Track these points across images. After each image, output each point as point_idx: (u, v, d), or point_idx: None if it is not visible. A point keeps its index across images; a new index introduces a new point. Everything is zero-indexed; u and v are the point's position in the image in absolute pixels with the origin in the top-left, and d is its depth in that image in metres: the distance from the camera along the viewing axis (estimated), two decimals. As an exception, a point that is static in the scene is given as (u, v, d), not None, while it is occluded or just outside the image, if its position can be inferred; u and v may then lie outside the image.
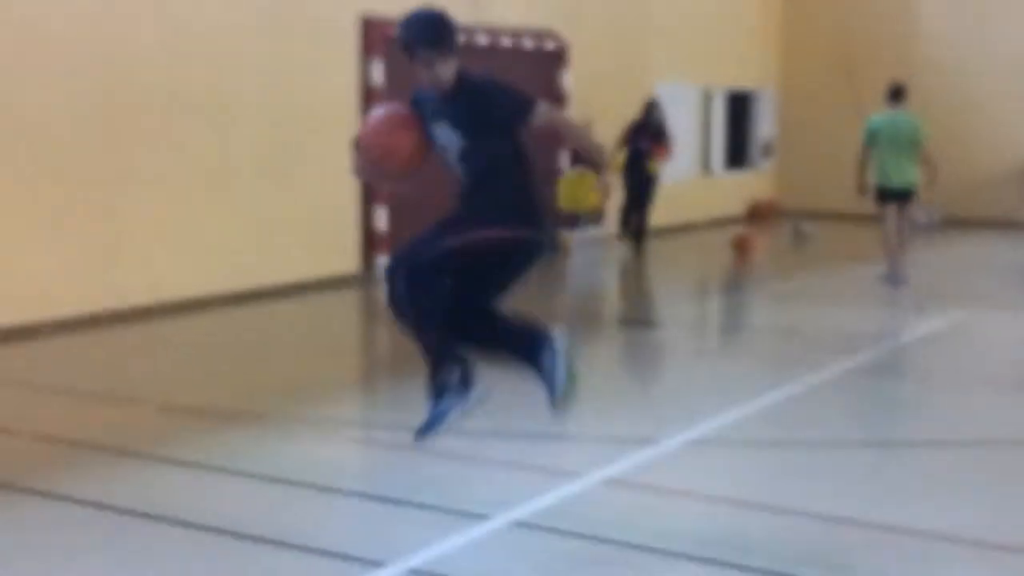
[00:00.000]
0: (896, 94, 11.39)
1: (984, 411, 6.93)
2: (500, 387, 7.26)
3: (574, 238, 14.36)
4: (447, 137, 4.84)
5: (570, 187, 4.96)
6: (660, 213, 15.17)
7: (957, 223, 17.35)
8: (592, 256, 14.30)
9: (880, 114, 11.55)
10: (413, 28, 4.81)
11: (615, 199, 14.54)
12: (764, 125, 19.11)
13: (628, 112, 14.62)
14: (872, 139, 11.34)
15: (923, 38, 17.86)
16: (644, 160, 14.12)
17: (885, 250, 11.54)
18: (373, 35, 11.67)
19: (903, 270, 11.48)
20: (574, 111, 14.34)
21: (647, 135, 14.12)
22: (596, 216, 4.47)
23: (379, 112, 4.98)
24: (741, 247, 13.87)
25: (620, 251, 14.33)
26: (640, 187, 14.23)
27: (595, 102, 14.94)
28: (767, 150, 19.25)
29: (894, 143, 11.24)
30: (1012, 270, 13.60)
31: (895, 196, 11.35)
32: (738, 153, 18.77)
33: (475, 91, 4.81)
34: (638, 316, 10.91)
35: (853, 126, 13.00)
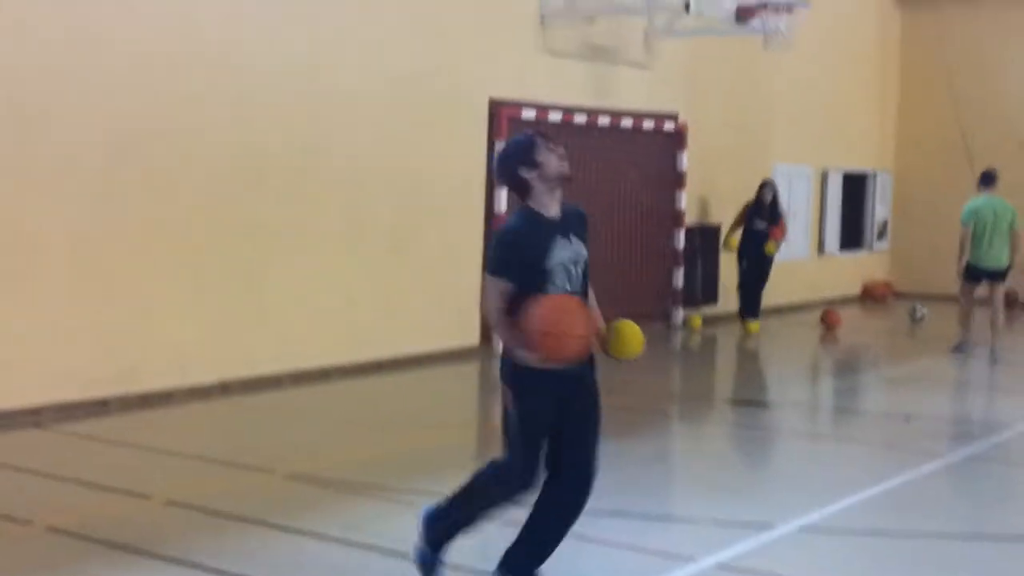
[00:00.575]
0: (988, 179, 12.35)
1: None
2: (616, 468, 7.44)
3: (698, 317, 14.52)
4: (576, 250, 4.92)
5: (625, 334, 4.92)
6: (775, 292, 15.24)
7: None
8: (707, 335, 14.39)
9: (976, 198, 12.39)
10: (537, 136, 4.97)
11: (732, 278, 14.68)
12: (879, 206, 19.05)
13: (745, 192, 14.78)
14: (969, 222, 12.19)
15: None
16: (759, 240, 14.25)
17: (962, 322, 12.46)
18: (499, 117, 12.05)
19: (998, 349, 12.16)
20: (690, 189, 14.55)
21: (762, 215, 14.26)
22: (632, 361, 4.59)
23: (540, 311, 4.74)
24: (828, 321, 14.72)
25: (735, 330, 14.40)
26: (756, 267, 14.36)
27: (712, 182, 15.15)
28: (882, 231, 19.17)
29: (989, 226, 12.11)
30: None
31: (988, 276, 12.19)
32: (853, 234, 18.72)
33: (576, 210, 5.05)
34: (752, 397, 10.97)
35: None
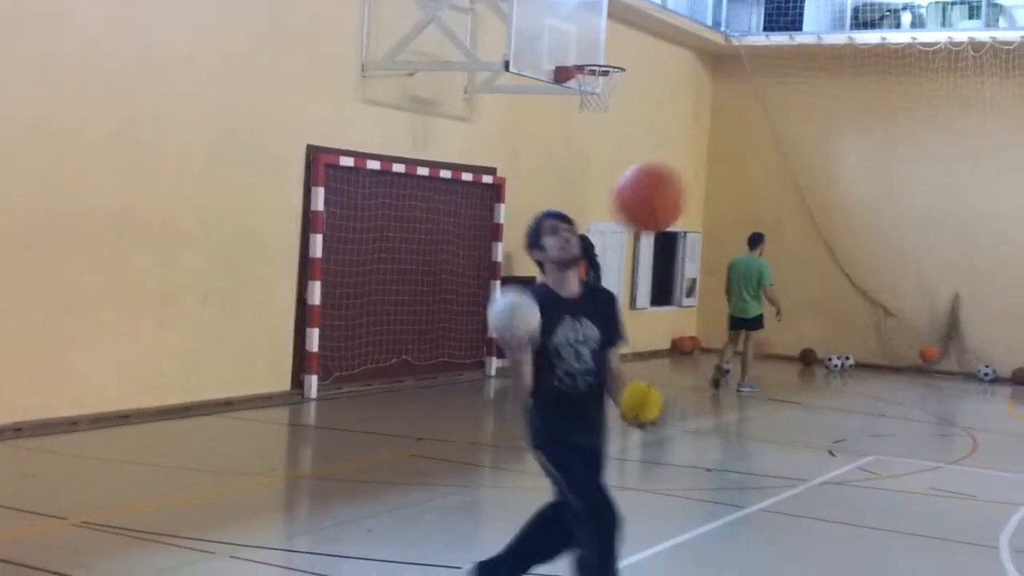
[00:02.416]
0: (752, 241, 14.58)
1: (862, 557, 7.22)
2: (424, 519, 7.39)
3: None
4: (586, 332, 5.03)
5: (639, 398, 4.90)
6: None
7: (872, 368, 17.95)
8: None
9: (738, 257, 14.64)
10: (545, 218, 5.20)
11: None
12: (689, 265, 19.68)
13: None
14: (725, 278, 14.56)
15: (841, 206, 18.66)
16: None
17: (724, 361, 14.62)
18: (317, 164, 11.99)
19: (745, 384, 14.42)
20: (506, 242, 14.75)
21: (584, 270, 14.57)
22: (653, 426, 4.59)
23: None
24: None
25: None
26: None
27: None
28: (691, 288, 19.80)
29: (740, 282, 14.38)
30: (918, 415, 14.06)
31: (742, 324, 14.44)
32: (664, 290, 19.26)
33: (603, 291, 5.29)
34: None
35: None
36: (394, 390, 13.05)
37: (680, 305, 19.64)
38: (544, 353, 4.90)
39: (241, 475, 8.65)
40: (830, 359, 18.25)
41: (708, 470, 9.90)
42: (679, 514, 8.21)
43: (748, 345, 14.59)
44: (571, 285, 5.05)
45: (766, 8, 19.33)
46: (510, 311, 4.76)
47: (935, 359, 15.95)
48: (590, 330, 5.00)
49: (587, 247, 14.76)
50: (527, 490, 8.94)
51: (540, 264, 5.10)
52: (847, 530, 7.87)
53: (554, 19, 12.94)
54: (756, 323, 14.50)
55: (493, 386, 14.27)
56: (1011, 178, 17.70)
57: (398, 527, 7.25)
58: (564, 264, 5.02)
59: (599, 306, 5.10)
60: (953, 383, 17.34)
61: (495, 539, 7.49)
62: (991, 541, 7.66)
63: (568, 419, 5.03)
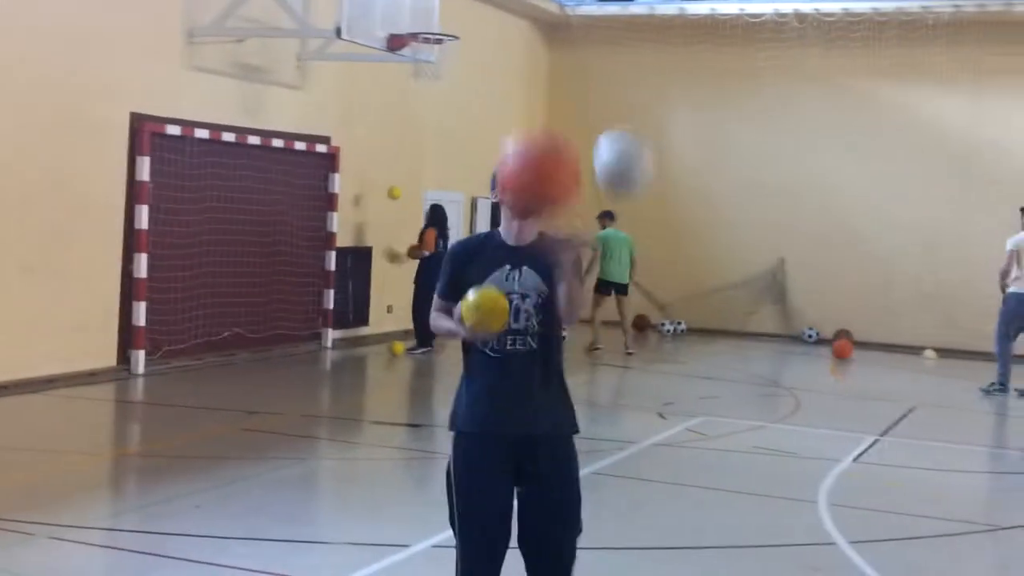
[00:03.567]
0: (611, 216, 15.71)
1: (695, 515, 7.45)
2: (254, 492, 7.34)
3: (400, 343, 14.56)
4: (530, 284, 4.17)
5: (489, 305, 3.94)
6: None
7: (702, 332, 18.46)
8: (358, 355, 14.48)
9: (606, 230, 15.70)
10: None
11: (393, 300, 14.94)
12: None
13: (399, 216, 15.02)
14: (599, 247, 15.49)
15: (672, 174, 19.06)
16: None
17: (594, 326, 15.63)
18: (142, 132, 11.64)
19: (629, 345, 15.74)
20: (343, 212, 14.61)
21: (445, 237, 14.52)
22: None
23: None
24: None
25: (385, 351, 14.57)
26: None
27: (364, 205, 15.30)
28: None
29: (616, 251, 15.65)
30: (745, 377, 14.53)
31: (616, 288, 15.78)
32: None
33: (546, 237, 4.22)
34: (401, 419, 11.10)
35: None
36: (227, 364, 12.81)
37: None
38: None
39: (63, 454, 8.38)
40: (663, 324, 18.67)
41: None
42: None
43: (626, 308, 16.08)
44: (524, 234, 4.21)
45: (600, -22, 19.55)
46: (634, 147, 4.11)
47: (848, 355, 16.25)
48: (536, 281, 4.14)
49: (440, 216, 14.73)
50: (360, 461, 8.95)
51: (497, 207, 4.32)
52: (673, 489, 8.10)
53: (387, -14, 12.82)
54: (627, 288, 16.00)
55: (329, 357, 14.16)
56: (831, 147, 18.34)
57: (227, 501, 7.13)
58: (517, 214, 4.18)
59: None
60: (779, 345, 17.95)
61: (325, 511, 7.49)
62: (810, 496, 7.97)
63: (493, 397, 4.15)
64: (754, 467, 9.09)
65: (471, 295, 4.00)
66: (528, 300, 4.13)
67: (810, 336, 18.16)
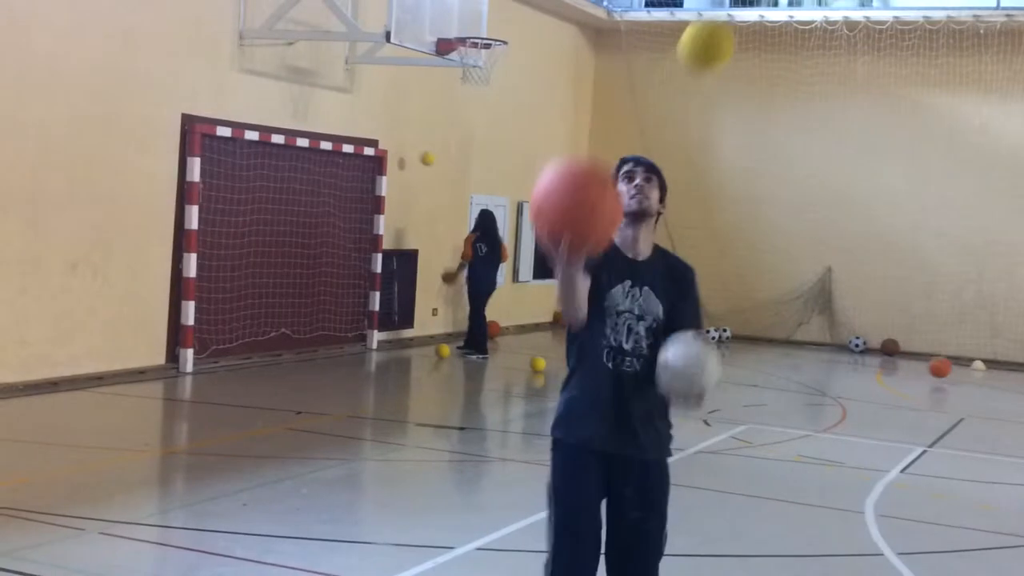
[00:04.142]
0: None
1: (746, 524, 7.41)
2: (300, 492, 7.38)
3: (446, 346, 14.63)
4: (645, 306, 4.08)
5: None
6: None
7: (749, 340, 18.35)
8: (403, 358, 14.53)
9: None
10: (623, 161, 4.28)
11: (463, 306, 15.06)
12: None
13: (444, 220, 15.06)
14: None
15: (719, 180, 18.96)
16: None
17: None
18: (192, 134, 11.76)
19: None
20: (389, 214, 14.68)
21: (489, 243, 14.64)
22: None
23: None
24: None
25: (431, 354, 14.61)
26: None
27: (410, 209, 15.36)
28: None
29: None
30: (791, 386, 14.43)
31: None
32: (546, 264, 19.33)
33: (680, 263, 4.21)
34: (446, 421, 11.12)
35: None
36: (273, 364, 12.90)
37: (562, 279, 19.75)
38: (589, 320, 3.96)
39: (113, 451, 8.47)
40: (708, 331, 18.58)
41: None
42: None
43: None
44: (641, 245, 4.11)
45: (648, -16, 19.53)
46: (703, 360, 3.91)
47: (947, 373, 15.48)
48: (653, 304, 4.07)
49: (489, 221, 14.79)
50: (406, 463, 8.97)
51: None
52: (719, 497, 8.06)
53: (436, -10, 12.88)
54: None
55: (374, 359, 14.22)
56: (879, 156, 18.20)
57: (274, 500, 7.18)
58: (632, 216, 4.06)
59: (674, 281, 4.13)
60: (825, 354, 17.82)
61: (370, 511, 7.52)
62: (857, 506, 7.90)
63: (595, 412, 4.06)
64: (800, 476, 9.03)
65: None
66: (642, 323, 4.04)
67: (857, 345, 18.02)
